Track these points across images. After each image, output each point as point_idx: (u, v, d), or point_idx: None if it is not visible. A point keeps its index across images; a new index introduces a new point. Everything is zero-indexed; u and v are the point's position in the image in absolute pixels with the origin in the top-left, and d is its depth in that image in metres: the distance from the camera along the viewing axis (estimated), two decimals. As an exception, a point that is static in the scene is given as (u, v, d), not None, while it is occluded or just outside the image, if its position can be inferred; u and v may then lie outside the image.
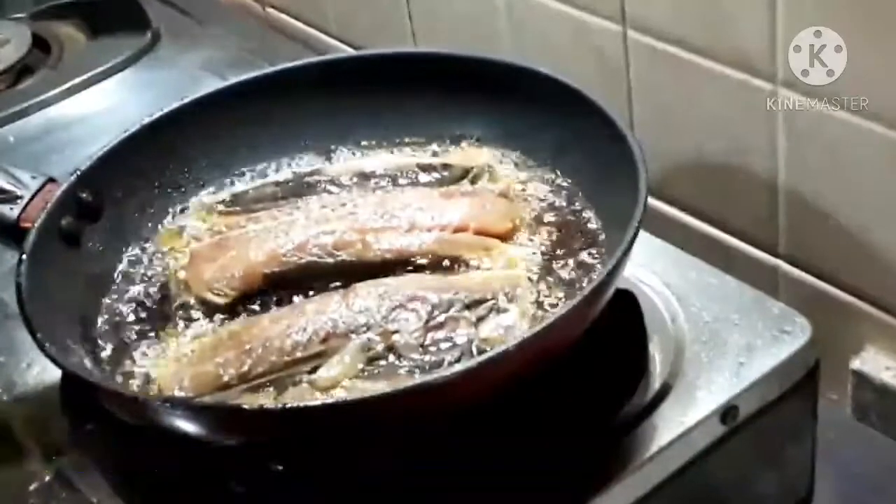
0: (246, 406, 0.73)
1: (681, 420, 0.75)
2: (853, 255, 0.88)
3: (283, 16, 1.40)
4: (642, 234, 0.75)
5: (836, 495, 0.86)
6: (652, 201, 0.92)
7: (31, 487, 0.78)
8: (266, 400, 0.74)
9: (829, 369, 0.83)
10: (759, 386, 0.77)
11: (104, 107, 1.23)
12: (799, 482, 0.84)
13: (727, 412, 0.76)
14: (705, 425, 0.75)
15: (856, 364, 0.91)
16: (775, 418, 0.79)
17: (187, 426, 0.70)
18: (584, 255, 0.82)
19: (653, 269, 0.85)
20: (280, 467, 0.74)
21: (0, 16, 1.42)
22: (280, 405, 0.72)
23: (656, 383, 0.78)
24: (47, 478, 0.78)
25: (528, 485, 0.72)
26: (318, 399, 0.73)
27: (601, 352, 0.76)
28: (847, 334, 0.91)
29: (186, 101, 0.94)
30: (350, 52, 1.29)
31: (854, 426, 0.92)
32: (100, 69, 1.27)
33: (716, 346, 0.79)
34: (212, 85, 0.97)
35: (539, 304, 0.79)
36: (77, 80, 1.26)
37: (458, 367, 0.70)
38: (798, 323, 0.80)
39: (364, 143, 0.95)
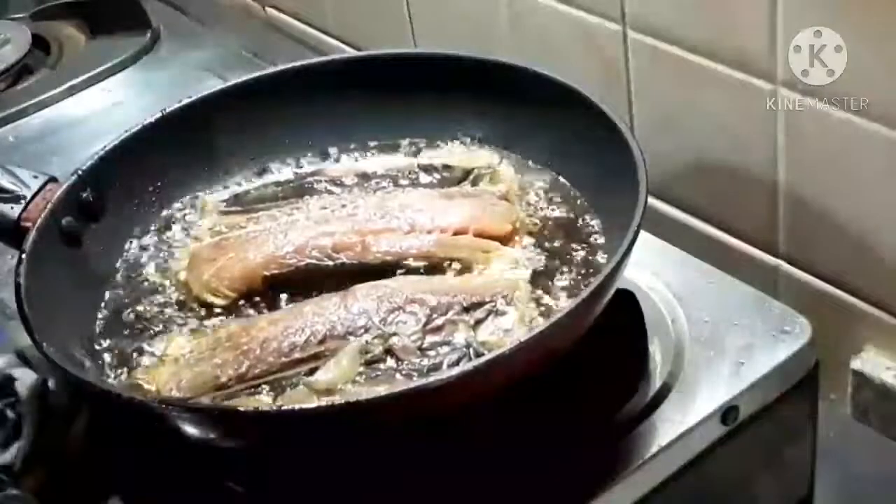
0: (241, 408, 0.72)
1: (681, 420, 0.75)
2: (853, 255, 0.88)
3: (283, 16, 1.40)
4: (643, 235, 0.75)
5: (836, 495, 0.86)
6: (652, 201, 0.92)
7: (32, 487, 0.78)
8: (263, 402, 0.74)
9: (829, 369, 0.83)
10: (759, 386, 0.77)
11: (104, 107, 1.23)
12: (799, 482, 0.84)
13: (727, 412, 0.76)
14: (705, 425, 0.75)
15: (856, 364, 0.91)
16: (775, 418, 0.79)
17: (182, 427, 0.70)
18: (583, 258, 0.82)
19: (653, 270, 0.85)
20: (279, 469, 0.74)
21: (0, 16, 1.42)
22: (275, 408, 0.72)
23: (656, 383, 0.78)
24: (48, 478, 0.78)
25: (529, 484, 0.72)
26: (314, 402, 0.73)
27: (601, 352, 0.76)
28: (847, 334, 0.91)
29: (188, 101, 0.93)
30: (350, 51, 1.29)
31: (854, 426, 0.92)
32: (100, 69, 1.27)
33: (716, 346, 0.79)
34: (212, 85, 0.97)
35: (538, 307, 0.78)
36: (77, 80, 1.26)
37: (453, 372, 0.70)
38: (798, 323, 0.80)
39: (366, 143, 0.95)
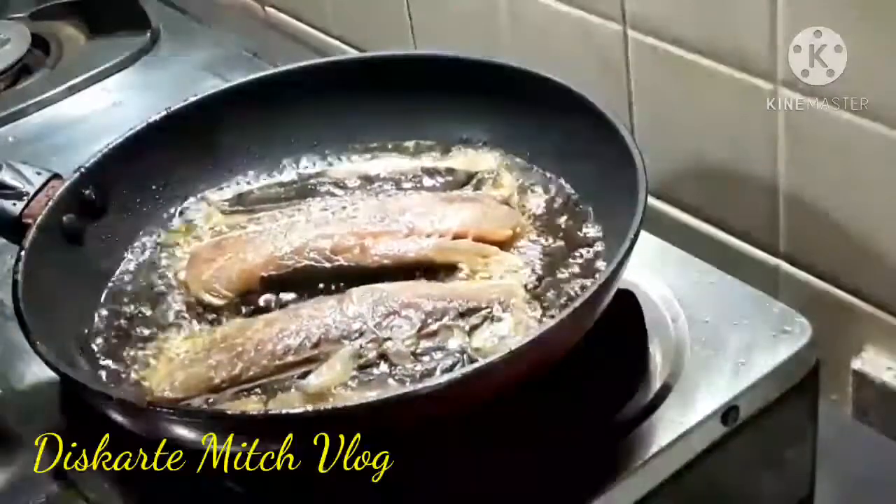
0: (229, 411, 0.72)
1: (681, 420, 0.75)
2: (853, 255, 0.88)
3: (283, 16, 1.40)
4: (643, 235, 0.75)
5: (836, 495, 0.86)
6: (652, 201, 0.92)
7: (31, 488, 0.77)
8: (254, 405, 0.74)
9: (829, 369, 0.83)
10: (759, 386, 0.77)
11: (103, 106, 1.23)
12: (799, 482, 0.84)
13: (728, 412, 0.76)
14: (706, 426, 0.75)
15: (856, 364, 0.91)
16: (776, 419, 0.79)
17: (170, 429, 0.70)
18: (583, 264, 0.81)
19: (654, 270, 0.85)
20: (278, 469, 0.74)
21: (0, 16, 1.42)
22: (262, 412, 0.72)
23: (656, 383, 0.78)
24: (46, 479, 0.78)
25: (529, 485, 0.72)
26: (301, 407, 0.72)
27: (602, 352, 0.76)
28: (847, 334, 0.91)
29: (193, 99, 0.93)
30: (350, 51, 1.29)
31: (854, 426, 0.92)
32: (99, 69, 1.27)
33: (716, 346, 0.79)
34: (211, 85, 0.97)
35: (535, 314, 0.78)
36: (76, 80, 1.26)
37: (442, 379, 0.69)
38: (798, 323, 0.80)
39: (369, 145, 0.95)
